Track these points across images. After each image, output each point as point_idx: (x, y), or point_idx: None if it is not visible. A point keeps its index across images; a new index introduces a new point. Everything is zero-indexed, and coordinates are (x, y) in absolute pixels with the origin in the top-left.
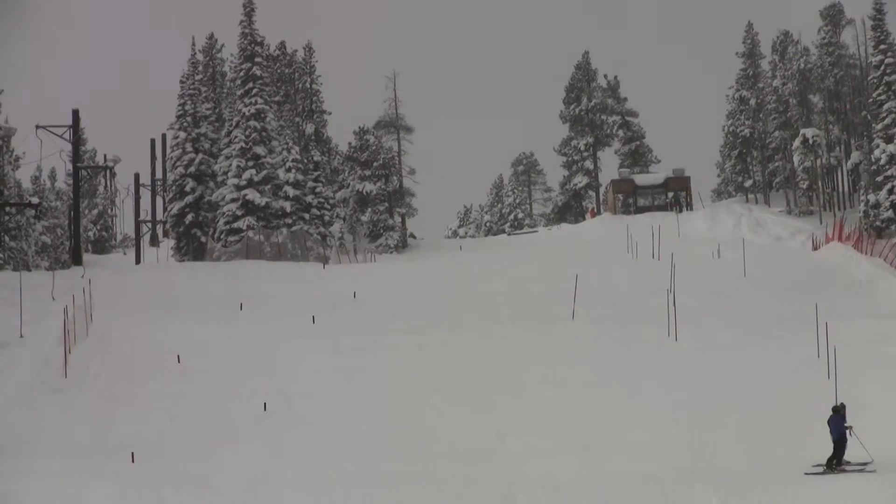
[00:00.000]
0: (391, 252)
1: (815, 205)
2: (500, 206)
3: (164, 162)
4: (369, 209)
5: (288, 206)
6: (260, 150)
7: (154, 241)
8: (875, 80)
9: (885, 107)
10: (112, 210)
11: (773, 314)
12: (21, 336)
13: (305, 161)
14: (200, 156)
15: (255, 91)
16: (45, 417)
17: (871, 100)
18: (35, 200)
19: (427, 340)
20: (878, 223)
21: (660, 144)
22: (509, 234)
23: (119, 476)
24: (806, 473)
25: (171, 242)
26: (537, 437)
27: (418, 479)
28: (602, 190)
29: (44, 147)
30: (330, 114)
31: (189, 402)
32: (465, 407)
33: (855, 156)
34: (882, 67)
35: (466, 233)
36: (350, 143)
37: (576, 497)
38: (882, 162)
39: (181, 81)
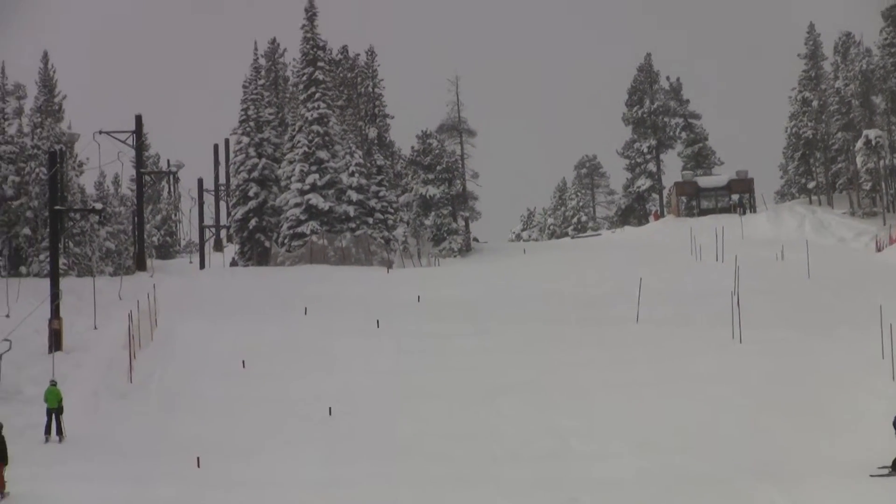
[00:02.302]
0: (455, 256)
1: (879, 206)
2: (563, 209)
3: (227, 167)
4: (433, 213)
5: (351, 210)
6: (323, 154)
7: (218, 246)
8: None
9: None
10: (176, 215)
11: (837, 315)
12: (95, 328)
13: (368, 165)
14: (264, 160)
15: (317, 95)
16: (110, 422)
17: None
18: (99, 206)
19: (491, 343)
20: None
21: (723, 146)
22: (573, 237)
23: (183, 479)
24: (871, 475)
25: (235, 247)
26: (602, 439)
27: (483, 482)
28: (665, 192)
29: (107, 152)
30: (392, 118)
31: (254, 406)
32: (529, 408)
33: None
34: None
35: (530, 236)
36: (413, 147)
37: (641, 498)
38: None
39: (244, 86)
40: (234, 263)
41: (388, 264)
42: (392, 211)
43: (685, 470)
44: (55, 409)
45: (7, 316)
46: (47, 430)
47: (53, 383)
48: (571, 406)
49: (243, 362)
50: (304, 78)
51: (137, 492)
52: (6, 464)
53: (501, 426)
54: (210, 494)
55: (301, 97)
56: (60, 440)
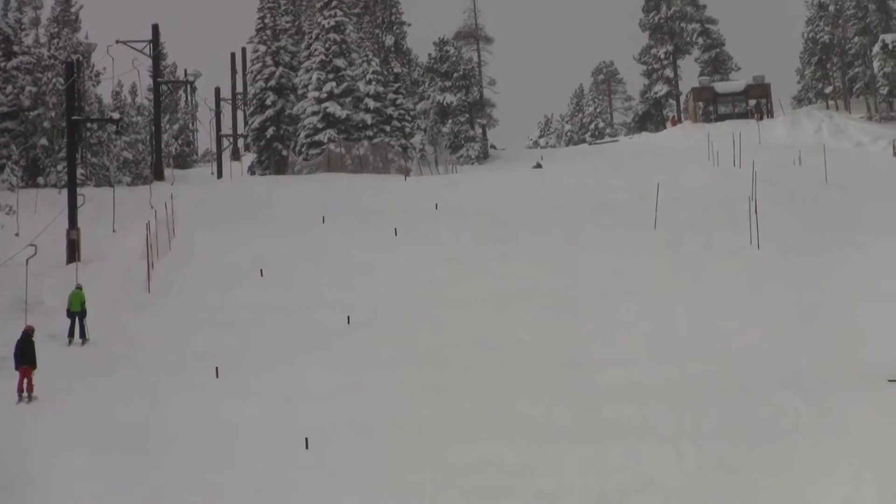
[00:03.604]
0: (472, 163)
1: None
2: (580, 115)
3: (244, 76)
4: (450, 120)
5: (369, 118)
6: (340, 62)
7: (236, 156)
8: None
9: None
10: (193, 124)
11: (855, 220)
12: (114, 231)
13: (385, 73)
14: (280, 69)
15: (334, 3)
16: (130, 332)
17: None
18: (116, 116)
19: (510, 250)
20: None
21: (740, 51)
22: (590, 144)
23: (202, 390)
24: (890, 380)
25: (253, 156)
26: (621, 346)
27: (503, 389)
28: (682, 98)
29: (124, 63)
30: (409, 25)
31: (272, 315)
32: (548, 315)
33: None
34: None
35: (547, 143)
36: (430, 55)
37: (660, 404)
38: None
39: None
40: (251, 172)
41: (406, 172)
42: (409, 119)
43: (705, 376)
44: (78, 313)
45: (17, 234)
46: (70, 333)
47: (79, 287)
48: (590, 313)
49: (261, 271)
50: None
51: (158, 401)
52: (35, 368)
53: (521, 333)
54: (229, 404)
55: (317, 5)
56: (83, 343)
